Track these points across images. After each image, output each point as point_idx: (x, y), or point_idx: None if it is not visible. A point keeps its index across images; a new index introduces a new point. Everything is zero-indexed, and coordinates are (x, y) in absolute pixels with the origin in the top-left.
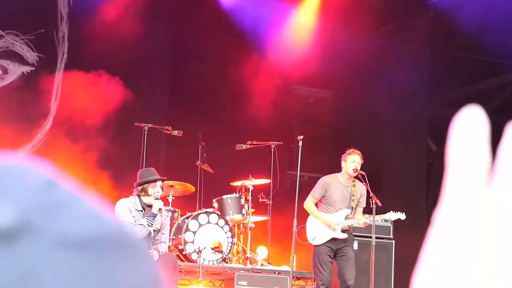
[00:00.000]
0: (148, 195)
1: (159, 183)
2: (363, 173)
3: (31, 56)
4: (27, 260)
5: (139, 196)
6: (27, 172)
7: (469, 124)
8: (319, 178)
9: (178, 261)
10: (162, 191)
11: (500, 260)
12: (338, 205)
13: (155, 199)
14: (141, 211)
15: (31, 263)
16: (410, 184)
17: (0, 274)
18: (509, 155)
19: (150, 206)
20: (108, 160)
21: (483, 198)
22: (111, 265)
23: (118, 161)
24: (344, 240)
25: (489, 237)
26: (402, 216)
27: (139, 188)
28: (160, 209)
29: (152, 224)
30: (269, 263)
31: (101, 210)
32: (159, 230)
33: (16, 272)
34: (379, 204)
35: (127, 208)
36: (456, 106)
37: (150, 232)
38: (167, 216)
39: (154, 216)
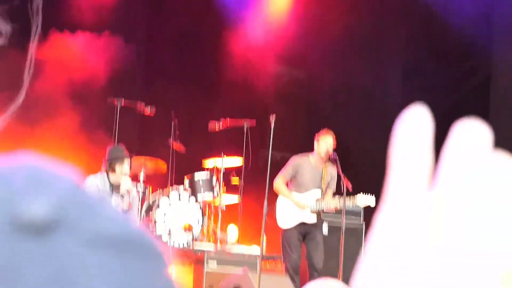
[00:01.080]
0: (116, 173)
1: (126, 161)
2: (335, 155)
3: (4, 27)
4: (61, 254)
5: (107, 172)
6: (59, 173)
7: (412, 125)
8: (290, 156)
9: None
10: (130, 168)
11: (442, 267)
12: (308, 186)
13: (123, 174)
14: (109, 188)
15: (64, 257)
16: (381, 169)
17: (36, 266)
18: (452, 158)
19: (118, 185)
20: (81, 137)
21: (424, 203)
22: (135, 267)
23: (91, 136)
24: (313, 224)
25: (431, 243)
26: (371, 202)
27: (107, 164)
28: (128, 190)
29: (119, 204)
30: (240, 244)
31: (118, 215)
32: (127, 210)
33: (51, 264)
34: (350, 187)
35: (94, 185)
36: (428, 91)
37: None
38: (136, 194)
39: (123, 196)
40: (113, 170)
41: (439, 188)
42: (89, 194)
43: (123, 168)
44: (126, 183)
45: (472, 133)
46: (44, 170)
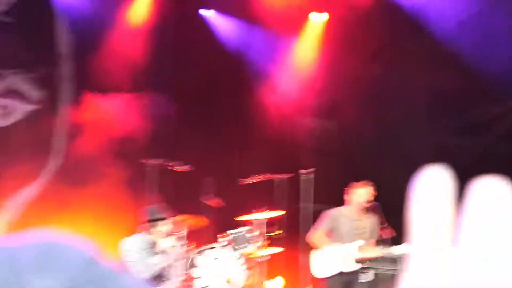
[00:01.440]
0: (158, 232)
1: (169, 220)
2: (376, 204)
3: (34, 94)
4: None
5: (147, 232)
6: (73, 248)
7: (432, 186)
8: (327, 209)
9: None
10: (171, 226)
11: None
12: (348, 238)
13: (166, 236)
14: (150, 247)
15: None
16: None
17: None
18: (472, 216)
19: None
20: (115, 198)
21: (448, 260)
22: None
23: (125, 198)
24: (353, 272)
25: None
26: (405, 250)
27: (149, 225)
28: (169, 247)
29: (162, 262)
30: None
31: (136, 284)
32: (170, 266)
33: None
34: (388, 236)
35: (133, 246)
36: (458, 134)
37: (161, 270)
38: (179, 251)
39: (164, 253)
40: (154, 231)
41: (462, 243)
42: (103, 267)
43: (164, 228)
44: (166, 242)
45: (491, 189)
46: (57, 246)
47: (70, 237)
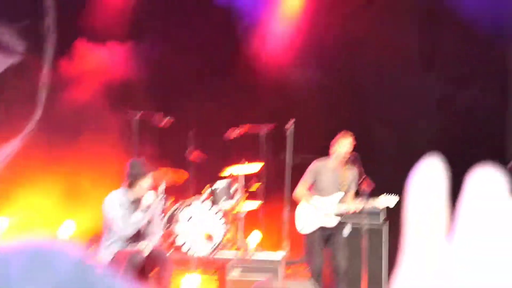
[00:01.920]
0: (140, 187)
1: (150, 175)
2: (356, 154)
3: (18, 46)
4: None
5: (129, 187)
6: (62, 253)
7: (427, 177)
8: (312, 158)
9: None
10: (151, 181)
11: None
12: (329, 190)
13: (147, 191)
14: (132, 203)
15: None
16: (406, 164)
17: None
18: (468, 210)
19: (140, 198)
20: (100, 148)
21: (443, 257)
22: None
23: (110, 150)
24: (334, 227)
25: None
26: (391, 203)
27: (131, 180)
28: (152, 201)
29: (144, 218)
30: (263, 250)
31: (124, 286)
32: (149, 222)
33: None
34: (369, 189)
35: (117, 203)
36: (456, 84)
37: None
38: (158, 205)
39: (146, 210)
40: (135, 186)
41: (457, 237)
42: (92, 271)
43: (145, 183)
44: (150, 197)
45: (487, 181)
46: (46, 251)
47: (59, 242)
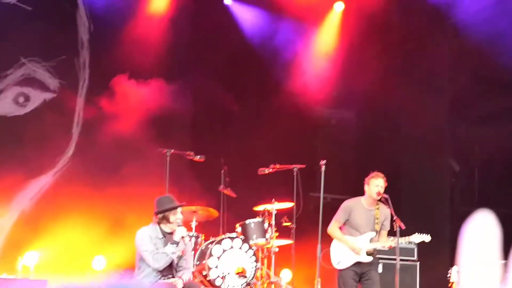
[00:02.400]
0: (170, 223)
1: (179, 210)
2: (387, 196)
3: (52, 82)
4: None
5: (159, 223)
6: None
7: (480, 233)
8: (341, 199)
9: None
10: (182, 216)
11: None
12: (362, 228)
13: (178, 226)
14: (162, 238)
15: None
16: (433, 205)
17: None
18: None
19: (171, 233)
20: (132, 186)
21: None
22: None
23: (142, 188)
24: (368, 264)
25: None
26: (426, 238)
27: (160, 216)
28: (182, 237)
29: (175, 252)
30: (294, 287)
31: None
32: (181, 256)
33: None
34: (403, 226)
35: (147, 236)
36: (479, 124)
37: (172, 260)
38: (189, 241)
39: (177, 243)
40: (167, 220)
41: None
42: None
43: (174, 218)
44: (181, 230)
45: None
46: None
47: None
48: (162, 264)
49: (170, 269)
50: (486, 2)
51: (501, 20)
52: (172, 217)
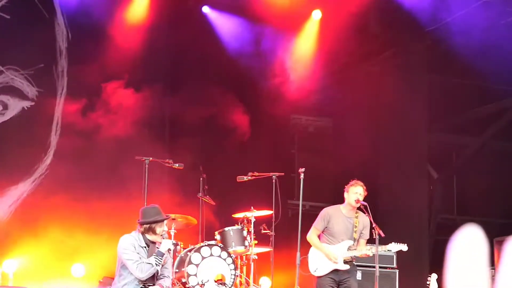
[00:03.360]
0: (155, 234)
1: (165, 222)
2: (365, 204)
3: (31, 91)
4: None
5: (143, 233)
6: None
7: (468, 247)
8: (320, 206)
9: None
10: (167, 228)
11: None
12: (340, 236)
13: (164, 238)
14: (145, 247)
15: None
16: (412, 212)
17: None
18: (509, 274)
19: (154, 242)
20: (110, 194)
21: None
22: None
23: (120, 196)
24: (346, 271)
25: None
26: (404, 247)
27: (146, 226)
28: (169, 249)
29: (159, 263)
30: None
31: None
32: (163, 265)
33: None
34: (382, 235)
35: (131, 245)
36: (455, 132)
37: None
38: (170, 250)
39: (162, 255)
40: (153, 232)
41: None
42: None
43: (160, 230)
44: (167, 243)
45: None
46: None
47: None
48: (146, 274)
49: (152, 278)
50: (465, 10)
51: (482, 28)
52: (158, 229)
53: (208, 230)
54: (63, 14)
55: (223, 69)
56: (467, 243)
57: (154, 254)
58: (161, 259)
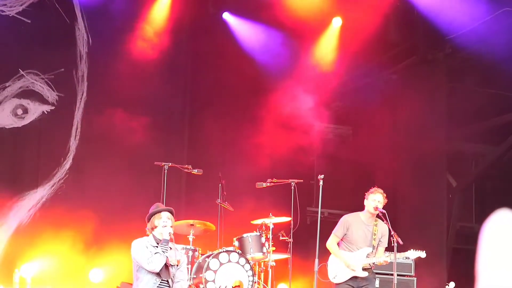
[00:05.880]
0: (156, 227)
1: (164, 214)
2: (384, 211)
3: (51, 95)
4: None
5: (152, 232)
6: None
7: (501, 230)
8: (339, 214)
9: None
10: (172, 222)
11: None
12: (359, 243)
13: (163, 226)
14: (156, 246)
15: None
16: (430, 221)
17: None
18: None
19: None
20: (129, 199)
21: None
22: None
23: (139, 201)
24: (365, 279)
25: None
26: (422, 254)
27: (148, 225)
28: (169, 233)
29: (166, 250)
30: None
31: None
32: (177, 267)
33: None
34: (401, 242)
35: (143, 246)
36: (475, 140)
37: (167, 261)
38: (185, 254)
39: (166, 242)
40: (154, 225)
41: None
42: None
43: (162, 219)
44: (166, 229)
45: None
46: None
47: None
48: (157, 264)
49: (167, 277)
50: (486, 18)
51: (502, 37)
52: (156, 221)
53: (227, 236)
54: (84, 19)
55: (243, 75)
56: (500, 226)
57: (160, 244)
58: (166, 245)
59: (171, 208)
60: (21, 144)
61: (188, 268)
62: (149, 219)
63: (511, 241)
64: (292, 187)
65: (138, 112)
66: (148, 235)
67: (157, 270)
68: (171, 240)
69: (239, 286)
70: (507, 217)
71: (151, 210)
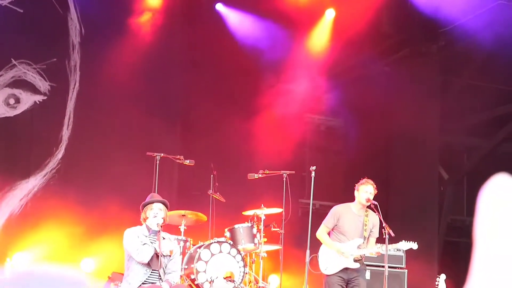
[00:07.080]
0: (147, 218)
1: (155, 205)
2: (376, 203)
3: (43, 85)
4: None
5: (145, 223)
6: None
7: (498, 194)
8: (330, 206)
9: None
10: (164, 214)
11: None
12: (350, 234)
13: (153, 217)
14: (149, 236)
15: None
16: (422, 213)
17: None
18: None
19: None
20: (121, 189)
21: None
22: None
23: (131, 191)
24: (356, 270)
25: None
26: (414, 245)
27: (142, 214)
28: (157, 224)
29: (154, 241)
30: None
31: None
32: (170, 257)
33: None
34: (392, 234)
35: (134, 236)
36: (467, 133)
37: (156, 252)
38: (175, 242)
39: (155, 232)
40: (146, 216)
41: None
42: None
43: (154, 210)
44: (156, 220)
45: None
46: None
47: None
48: (145, 255)
49: (158, 267)
50: (479, 11)
51: (496, 30)
52: (148, 212)
53: (218, 227)
54: (76, 9)
55: (235, 66)
56: (498, 191)
57: (148, 235)
58: (154, 236)
59: (164, 200)
60: (13, 133)
61: (179, 258)
62: (142, 209)
63: (509, 206)
64: (284, 179)
65: (130, 102)
66: (142, 225)
67: (145, 261)
68: (160, 231)
69: (230, 276)
70: (505, 182)
71: (145, 201)
